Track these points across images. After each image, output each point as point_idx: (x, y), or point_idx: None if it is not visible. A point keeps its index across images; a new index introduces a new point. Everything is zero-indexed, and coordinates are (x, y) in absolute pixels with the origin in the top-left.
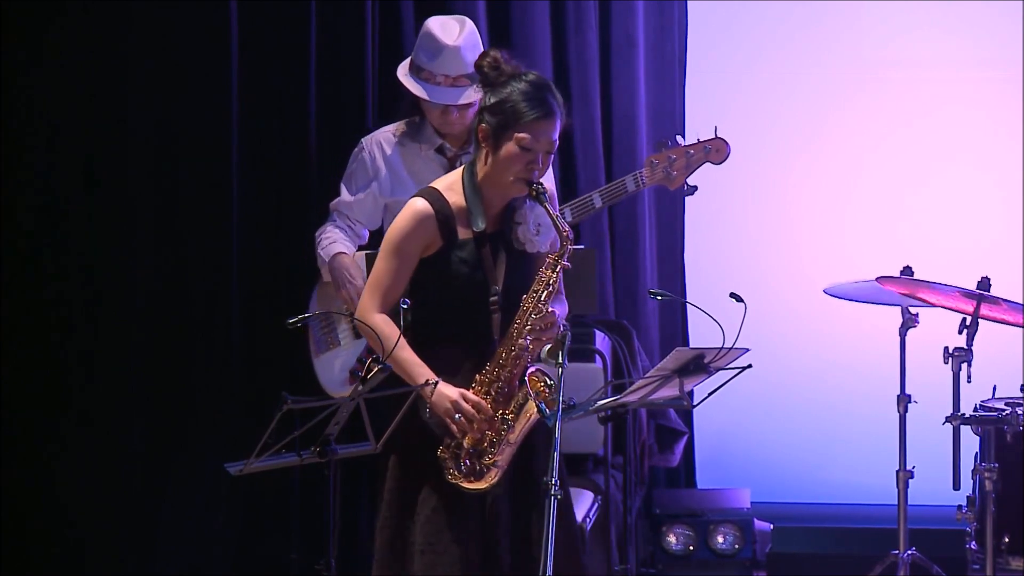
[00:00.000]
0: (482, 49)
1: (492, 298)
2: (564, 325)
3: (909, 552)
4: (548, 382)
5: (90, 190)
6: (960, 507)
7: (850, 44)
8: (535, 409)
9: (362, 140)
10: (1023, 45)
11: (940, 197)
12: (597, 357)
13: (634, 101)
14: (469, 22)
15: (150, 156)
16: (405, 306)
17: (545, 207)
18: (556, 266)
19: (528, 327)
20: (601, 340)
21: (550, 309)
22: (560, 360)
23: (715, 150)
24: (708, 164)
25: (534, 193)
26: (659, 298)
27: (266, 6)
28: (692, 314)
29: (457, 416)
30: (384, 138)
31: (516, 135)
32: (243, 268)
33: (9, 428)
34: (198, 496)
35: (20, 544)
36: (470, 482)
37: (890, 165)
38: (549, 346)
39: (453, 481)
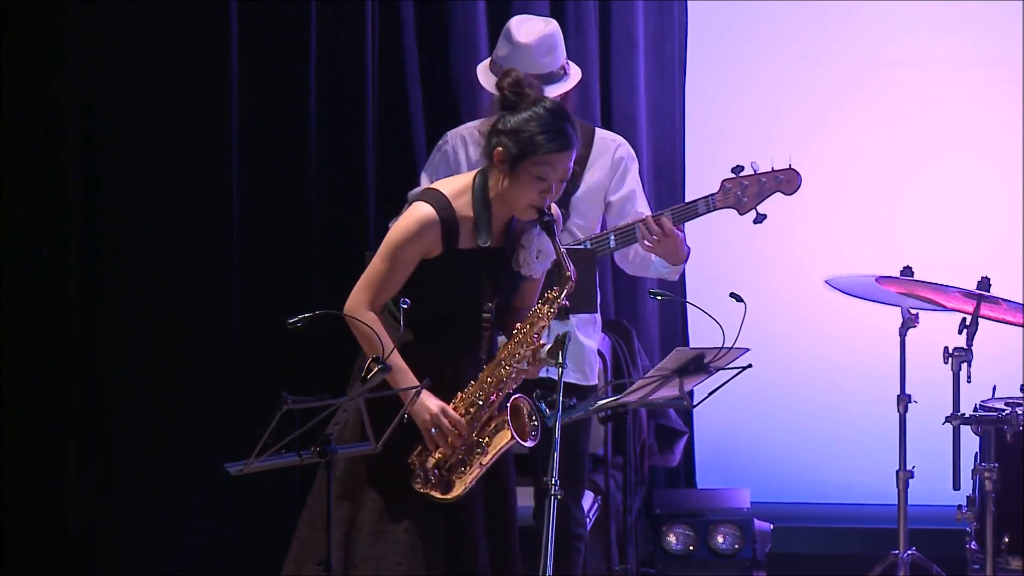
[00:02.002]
0: (561, 54)
1: (485, 315)
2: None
3: (909, 552)
4: (531, 410)
5: (90, 190)
6: (960, 507)
7: (850, 44)
8: (508, 437)
9: (447, 133)
10: (1023, 45)
11: (940, 197)
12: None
13: (634, 101)
14: (554, 24)
15: (150, 156)
16: (405, 306)
17: (554, 241)
18: (554, 304)
19: (517, 358)
20: (601, 340)
21: (542, 342)
22: (560, 360)
23: (787, 180)
24: (779, 194)
25: (543, 223)
26: (659, 298)
27: (266, 6)
28: (692, 314)
29: (433, 430)
30: (468, 133)
31: (532, 166)
32: (243, 268)
33: (9, 428)
34: (198, 496)
35: (20, 544)
36: (438, 492)
37: (890, 165)
38: (549, 346)
39: (420, 491)
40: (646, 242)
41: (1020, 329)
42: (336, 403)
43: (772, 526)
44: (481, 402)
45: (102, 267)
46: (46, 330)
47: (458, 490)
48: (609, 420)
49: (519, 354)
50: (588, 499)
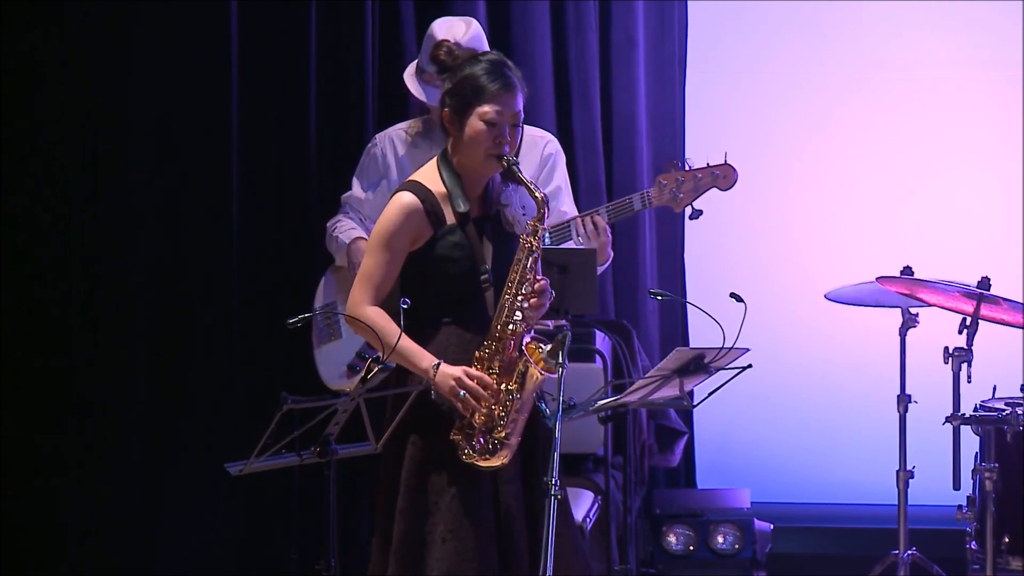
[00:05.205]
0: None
1: (483, 276)
2: (565, 325)
3: (909, 552)
4: (544, 348)
5: (90, 191)
6: (960, 507)
7: (850, 44)
8: (537, 374)
9: (376, 136)
10: (1023, 45)
11: (940, 197)
12: (597, 357)
13: (634, 101)
14: (475, 24)
15: (150, 156)
16: (405, 306)
17: (519, 177)
18: (536, 232)
19: (519, 297)
20: (601, 340)
21: (539, 275)
22: (560, 360)
23: (723, 176)
24: (715, 189)
25: (506, 165)
26: (659, 298)
27: (266, 6)
28: (692, 314)
29: (462, 393)
30: (397, 135)
31: (479, 110)
32: (243, 268)
33: (9, 429)
34: (198, 496)
35: (20, 545)
36: (485, 460)
37: (890, 165)
38: (549, 346)
39: (468, 461)
40: (580, 239)
41: (1020, 329)
42: (336, 403)
43: (772, 526)
44: (500, 353)
45: (102, 267)
46: (46, 330)
47: (505, 454)
48: (609, 420)
49: (521, 293)
50: (588, 499)
